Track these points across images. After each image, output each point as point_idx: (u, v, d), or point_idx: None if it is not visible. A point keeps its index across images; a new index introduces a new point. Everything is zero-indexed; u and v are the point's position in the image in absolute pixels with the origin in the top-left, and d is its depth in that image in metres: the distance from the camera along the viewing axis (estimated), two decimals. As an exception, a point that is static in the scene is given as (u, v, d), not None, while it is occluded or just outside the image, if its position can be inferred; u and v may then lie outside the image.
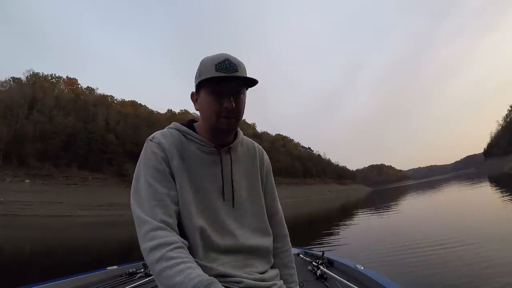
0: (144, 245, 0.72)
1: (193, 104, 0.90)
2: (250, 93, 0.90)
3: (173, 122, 0.92)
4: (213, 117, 0.82)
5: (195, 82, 0.85)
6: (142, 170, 0.81)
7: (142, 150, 0.84)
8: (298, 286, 0.98)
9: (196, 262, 0.76)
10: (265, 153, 1.04)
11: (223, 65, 0.79)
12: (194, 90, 0.88)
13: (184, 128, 0.89)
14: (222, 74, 0.78)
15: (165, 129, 0.89)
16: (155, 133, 0.87)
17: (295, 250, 2.67)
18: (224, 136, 0.89)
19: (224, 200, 0.87)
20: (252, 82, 0.84)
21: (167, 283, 0.66)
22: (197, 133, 0.89)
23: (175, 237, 0.74)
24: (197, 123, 0.94)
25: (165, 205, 0.77)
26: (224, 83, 0.80)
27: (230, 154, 0.91)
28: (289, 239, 1.05)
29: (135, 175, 0.82)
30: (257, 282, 0.83)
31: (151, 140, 0.85)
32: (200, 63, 0.84)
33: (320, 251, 2.43)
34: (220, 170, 0.88)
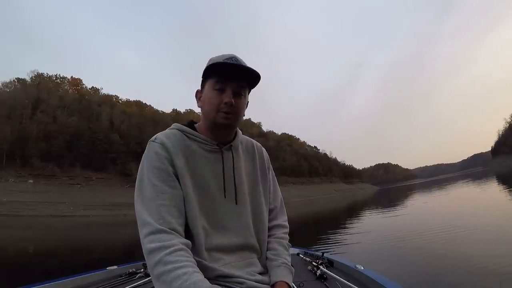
0: (144, 248, 0.71)
1: (196, 103, 0.93)
2: (254, 92, 0.95)
3: (174, 123, 0.93)
4: (212, 112, 0.85)
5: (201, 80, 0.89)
6: (146, 171, 0.81)
7: (145, 151, 0.84)
8: (284, 266, 0.91)
9: (199, 262, 0.76)
10: (264, 149, 1.07)
11: (231, 60, 0.84)
12: (199, 88, 0.92)
13: (185, 128, 0.89)
14: (228, 62, 0.82)
15: (166, 130, 0.90)
16: (157, 134, 0.87)
17: (295, 250, 2.65)
18: (223, 132, 0.90)
19: (225, 197, 0.88)
20: (255, 80, 0.88)
21: None
22: (198, 133, 0.90)
23: (176, 240, 0.72)
24: (197, 124, 0.95)
25: (169, 205, 0.76)
26: (227, 81, 0.84)
27: (232, 151, 0.92)
28: (285, 230, 1.03)
29: (138, 176, 0.82)
30: (259, 284, 0.83)
31: (153, 141, 0.85)
32: (208, 61, 0.87)
33: (320, 251, 2.41)
34: (221, 167, 0.89)
